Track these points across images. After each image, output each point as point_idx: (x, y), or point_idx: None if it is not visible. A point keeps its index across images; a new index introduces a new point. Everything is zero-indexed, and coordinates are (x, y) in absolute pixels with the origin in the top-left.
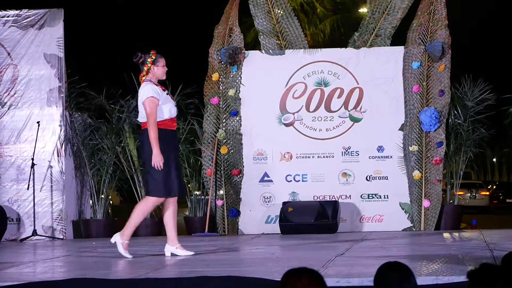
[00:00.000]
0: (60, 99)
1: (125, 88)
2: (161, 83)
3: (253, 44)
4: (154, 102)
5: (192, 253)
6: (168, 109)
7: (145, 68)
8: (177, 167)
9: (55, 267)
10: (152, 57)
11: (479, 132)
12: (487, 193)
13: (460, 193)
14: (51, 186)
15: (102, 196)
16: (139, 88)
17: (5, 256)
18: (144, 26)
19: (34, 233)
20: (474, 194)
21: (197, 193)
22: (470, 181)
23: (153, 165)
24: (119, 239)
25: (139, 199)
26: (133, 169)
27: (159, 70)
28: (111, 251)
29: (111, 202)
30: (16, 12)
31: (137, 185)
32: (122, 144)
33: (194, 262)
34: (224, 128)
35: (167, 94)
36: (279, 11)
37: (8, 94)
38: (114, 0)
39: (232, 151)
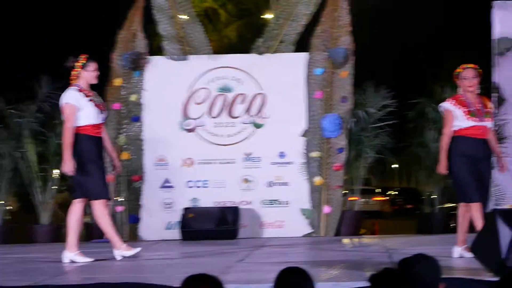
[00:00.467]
0: None
1: (25, 92)
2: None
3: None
4: (70, 109)
5: (91, 259)
6: (89, 115)
7: (74, 73)
8: (99, 172)
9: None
10: (82, 61)
11: (381, 138)
12: (381, 198)
13: (353, 198)
14: None
15: (1, 202)
16: None
17: None
18: (45, 30)
19: None
20: (367, 200)
21: None
22: (369, 187)
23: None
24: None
25: (38, 204)
26: (33, 175)
27: (89, 74)
28: (9, 258)
29: (9, 208)
30: None
31: (34, 191)
32: (22, 150)
33: (93, 268)
34: (125, 134)
35: (90, 100)
36: (183, 16)
37: None
38: (15, 5)
39: (133, 156)
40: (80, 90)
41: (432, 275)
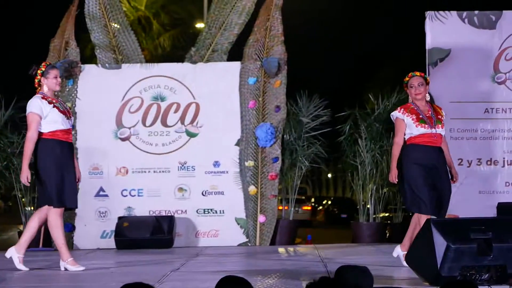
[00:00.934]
0: None
1: None
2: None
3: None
4: (32, 117)
5: (27, 268)
6: (56, 120)
7: (36, 81)
8: (66, 179)
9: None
10: (42, 69)
11: (314, 148)
12: (309, 208)
13: (282, 208)
14: None
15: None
16: None
17: None
18: None
19: None
20: (297, 209)
21: (32, 208)
22: (301, 197)
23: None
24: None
25: None
26: None
27: (50, 82)
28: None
29: None
30: None
31: None
32: None
33: (28, 277)
34: None
35: (54, 106)
36: (115, 25)
37: None
38: None
39: None
40: (43, 98)
41: (365, 284)
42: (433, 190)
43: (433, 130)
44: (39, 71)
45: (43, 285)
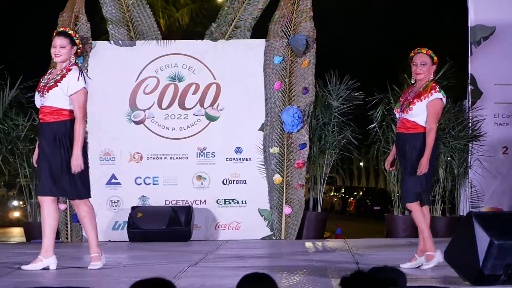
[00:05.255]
0: None
1: None
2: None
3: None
4: None
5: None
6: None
7: None
8: (43, 166)
9: None
10: None
11: (345, 134)
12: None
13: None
14: None
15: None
16: None
17: None
18: None
19: None
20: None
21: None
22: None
23: None
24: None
25: None
26: None
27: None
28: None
29: None
30: None
31: None
32: None
33: (33, 272)
34: None
35: (40, 82)
36: None
37: None
38: None
39: None
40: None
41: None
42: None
43: (400, 115)
44: None
45: (47, 281)
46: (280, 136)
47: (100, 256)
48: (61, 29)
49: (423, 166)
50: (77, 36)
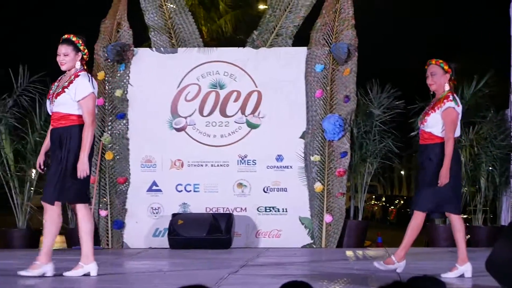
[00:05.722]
0: None
1: (0, 85)
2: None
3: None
4: None
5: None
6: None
7: None
8: (50, 171)
9: None
10: None
11: (386, 142)
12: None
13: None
14: None
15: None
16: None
17: None
18: (23, 16)
19: None
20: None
21: None
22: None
23: None
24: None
25: (15, 206)
26: (8, 174)
27: None
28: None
29: None
30: None
31: (12, 191)
32: None
33: (74, 278)
34: (109, 132)
35: (50, 90)
36: (171, 5)
37: None
38: None
39: (118, 157)
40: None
41: None
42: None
43: (420, 127)
44: None
45: (88, 287)
46: (321, 144)
47: (82, 265)
48: (65, 36)
49: (443, 176)
50: (81, 42)
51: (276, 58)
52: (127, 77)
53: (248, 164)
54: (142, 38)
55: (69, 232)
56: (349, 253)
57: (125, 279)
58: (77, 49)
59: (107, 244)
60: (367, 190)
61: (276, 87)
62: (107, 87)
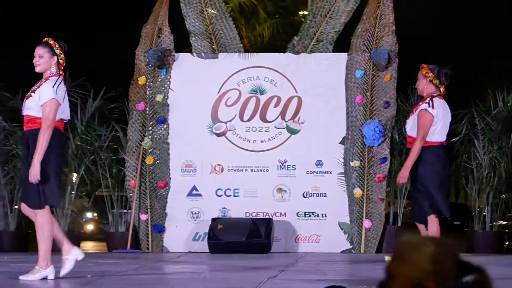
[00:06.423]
0: None
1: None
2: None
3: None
4: None
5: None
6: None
7: None
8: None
9: None
10: None
11: None
12: None
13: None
14: None
15: (16, 206)
16: None
17: None
18: (65, 24)
19: None
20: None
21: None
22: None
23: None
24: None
25: (56, 210)
26: None
27: None
28: (24, 267)
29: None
30: None
31: None
32: None
33: (114, 281)
34: (150, 137)
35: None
36: (212, 11)
37: None
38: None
39: (158, 161)
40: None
41: None
42: None
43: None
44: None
45: None
46: (361, 150)
47: (39, 269)
48: (44, 39)
49: (401, 175)
50: (57, 47)
51: (317, 63)
52: (168, 82)
53: (288, 169)
54: (183, 43)
55: (109, 237)
56: (388, 258)
57: (166, 283)
58: (52, 52)
59: (147, 248)
60: (406, 195)
61: (316, 92)
62: (148, 92)
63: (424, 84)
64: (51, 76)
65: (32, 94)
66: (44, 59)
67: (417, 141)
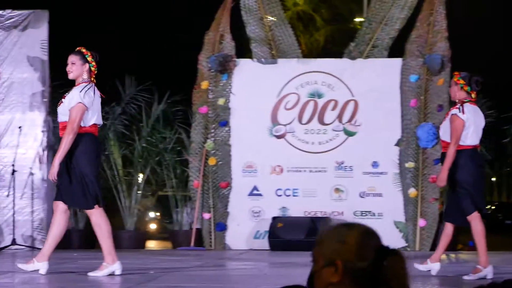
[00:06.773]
0: (43, 103)
1: (110, 94)
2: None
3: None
4: None
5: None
6: None
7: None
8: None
9: (34, 278)
10: None
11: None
12: None
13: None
14: (32, 194)
15: None
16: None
17: None
18: (130, 30)
19: (13, 242)
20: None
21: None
22: None
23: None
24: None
25: (123, 209)
26: (117, 178)
27: None
28: (93, 263)
29: None
30: None
31: (120, 195)
32: (106, 152)
33: (179, 277)
34: (212, 139)
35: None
36: (272, 18)
37: None
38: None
39: (220, 162)
40: None
41: None
42: None
43: None
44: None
45: (193, 286)
46: (416, 151)
47: (106, 265)
48: (77, 48)
49: (439, 179)
50: (89, 54)
51: (372, 68)
52: (230, 87)
53: (345, 170)
54: (244, 50)
55: (173, 235)
56: (442, 256)
57: (228, 279)
58: (84, 60)
59: (210, 246)
60: None
61: (372, 96)
62: (210, 96)
63: (456, 90)
64: (82, 83)
65: (63, 100)
66: (76, 66)
67: (451, 145)
